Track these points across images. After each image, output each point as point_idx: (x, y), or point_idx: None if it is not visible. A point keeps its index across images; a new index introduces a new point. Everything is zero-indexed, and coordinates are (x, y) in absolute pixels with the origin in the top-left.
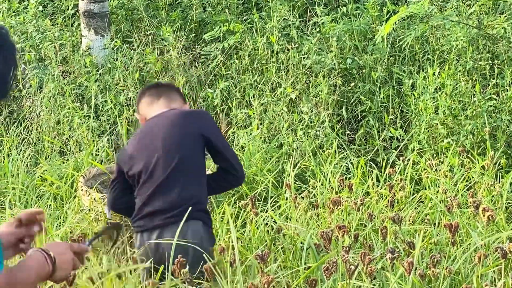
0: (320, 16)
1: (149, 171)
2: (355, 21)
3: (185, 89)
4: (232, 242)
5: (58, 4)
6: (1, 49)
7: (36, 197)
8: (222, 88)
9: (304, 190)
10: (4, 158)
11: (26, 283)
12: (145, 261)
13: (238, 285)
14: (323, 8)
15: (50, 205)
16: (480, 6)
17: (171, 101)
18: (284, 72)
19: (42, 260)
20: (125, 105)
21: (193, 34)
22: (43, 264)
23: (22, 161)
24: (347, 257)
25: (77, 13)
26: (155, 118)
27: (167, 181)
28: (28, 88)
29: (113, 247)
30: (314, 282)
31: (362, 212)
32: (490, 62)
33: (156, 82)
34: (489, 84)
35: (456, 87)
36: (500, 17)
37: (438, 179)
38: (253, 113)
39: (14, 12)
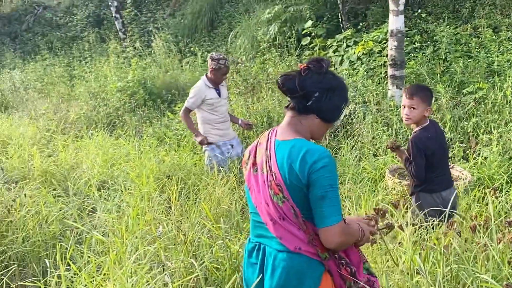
0: None
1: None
2: None
3: (450, 121)
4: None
5: (375, 70)
6: (341, 91)
7: (361, 180)
8: (473, 122)
9: None
10: (343, 156)
11: (352, 235)
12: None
13: None
14: None
15: (369, 184)
16: None
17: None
18: None
19: (358, 231)
20: None
21: (456, 90)
22: (358, 233)
23: (351, 159)
24: None
25: (387, 76)
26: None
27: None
28: (356, 118)
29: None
30: None
31: None
32: None
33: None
34: None
35: None
36: None
37: None
38: (493, 137)
39: (347, 76)
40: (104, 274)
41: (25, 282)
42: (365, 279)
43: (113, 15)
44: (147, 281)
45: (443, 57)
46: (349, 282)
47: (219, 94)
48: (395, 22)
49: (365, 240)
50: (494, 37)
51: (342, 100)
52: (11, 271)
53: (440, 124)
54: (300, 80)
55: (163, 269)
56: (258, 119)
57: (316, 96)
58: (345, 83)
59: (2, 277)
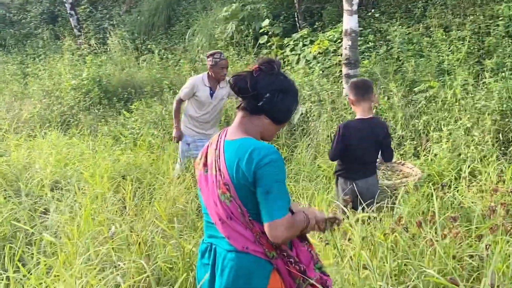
0: (487, 78)
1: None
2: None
3: (402, 119)
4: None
5: (330, 69)
6: (292, 92)
7: (316, 177)
8: (424, 120)
9: (473, 182)
10: (298, 154)
11: (298, 226)
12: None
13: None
14: (489, 74)
15: (323, 181)
16: None
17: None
18: (463, 111)
19: (303, 220)
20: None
21: (408, 88)
22: (303, 223)
23: (307, 157)
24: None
25: (341, 75)
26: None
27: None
28: (312, 116)
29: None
30: None
31: None
32: None
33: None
34: None
35: None
36: None
37: None
38: (443, 135)
39: (304, 75)
40: (55, 276)
41: None
42: (317, 277)
43: (68, 11)
44: (97, 283)
45: (396, 56)
46: (298, 279)
47: (211, 95)
48: (349, 22)
49: (311, 228)
50: (445, 36)
51: (293, 101)
52: None
53: (392, 122)
54: (252, 80)
55: (116, 269)
56: None
57: (267, 97)
58: (295, 85)
59: None
